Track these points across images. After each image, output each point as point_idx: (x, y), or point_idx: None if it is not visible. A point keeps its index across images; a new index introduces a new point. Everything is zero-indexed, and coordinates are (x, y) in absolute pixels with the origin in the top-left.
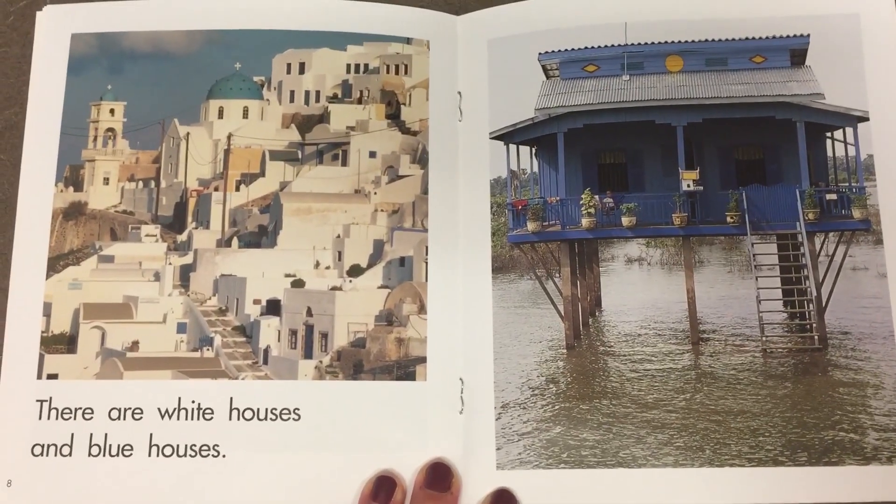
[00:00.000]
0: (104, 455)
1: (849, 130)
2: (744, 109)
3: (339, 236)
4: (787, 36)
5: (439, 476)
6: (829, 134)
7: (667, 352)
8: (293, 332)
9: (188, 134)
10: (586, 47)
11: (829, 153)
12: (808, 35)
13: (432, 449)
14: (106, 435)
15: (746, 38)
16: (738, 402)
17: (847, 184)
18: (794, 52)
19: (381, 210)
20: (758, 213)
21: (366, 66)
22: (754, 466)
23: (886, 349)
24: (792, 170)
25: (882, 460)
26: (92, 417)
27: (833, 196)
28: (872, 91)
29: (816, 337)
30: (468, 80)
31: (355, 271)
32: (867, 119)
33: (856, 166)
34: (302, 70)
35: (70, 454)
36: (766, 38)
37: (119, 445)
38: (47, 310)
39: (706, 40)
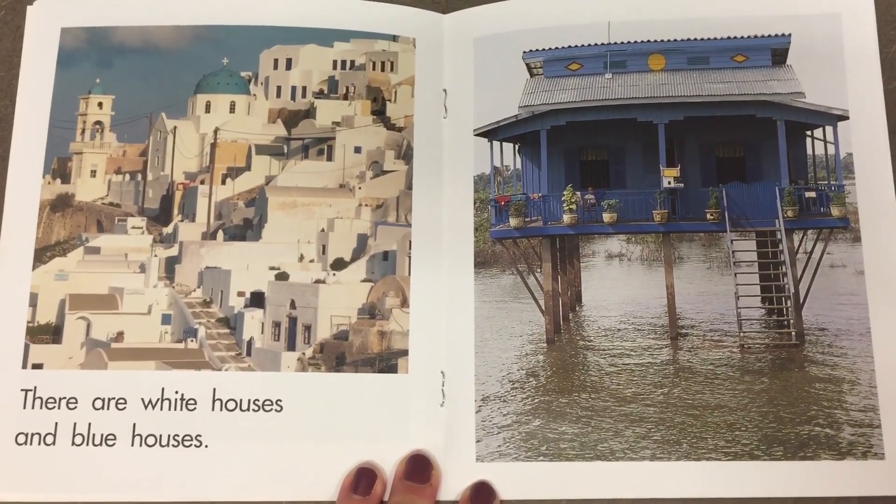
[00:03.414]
0: (88, 444)
1: (829, 129)
2: (725, 108)
3: (323, 230)
4: (769, 35)
5: (419, 468)
6: (808, 132)
7: (646, 346)
8: (276, 325)
9: (175, 128)
10: (570, 46)
11: (809, 151)
12: (790, 34)
13: (413, 441)
14: (89, 424)
15: (728, 38)
16: (716, 396)
17: (826, 182)
18: (776, 52)
19: (366, 205)
20: (738, 210)
21: (352, 62)
22: (731, 460)
23: (862, 346)
24: (772, 168)
25: (857, 455)
26: (76, 407)
27: (812, 194)
28: (852, 90)
29: (794, 333)
30: (454, 77)
31: (339, 265)
32: (847, 118)
33: (835, 165)
34: (289, 66)
35: (54, 443)
36: (748, 37)
37: (102, 435)
38: (33, 300)
39: (688, 39)
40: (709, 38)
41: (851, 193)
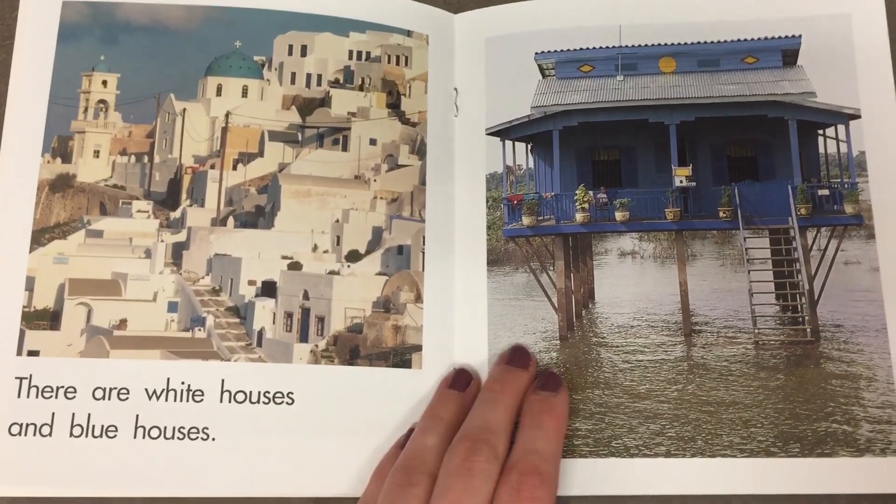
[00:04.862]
0: (87, 436)
1: (841, 128)
2: (736, 108)
3: (337, 221)
4: (779, 37)
5: (519, 355)
6: (820, 131)
7: (659, 343)
8: (289, 315)
9: (185, 110)
10: (582, 48)
11: (822, 150)
12: (800, 36)
13: None
14: (89, 415)
15: (738, 40)
16: (730, 393)
17: (839, 179)
18: (786, 53)
19: (381, 198)
20: (750, 208)
21: (367, 54)
22: (746, 457)
23: (879, 342)
24: (784, 166)
25: (875, 452)
26: (75, 397)
27: (825, 191)
28: (864, 89)
29: (809, 329)
30: (465, 76)
31: (353, 257)
32: (859, 116)
33: (848, 163)
34: (304, 52)
35: (50, 434)
36: (758, 39)
37: (103, 426)
38: (30, 284)
39: (698, 42)
40: (719, 41)
41: (865, 191)
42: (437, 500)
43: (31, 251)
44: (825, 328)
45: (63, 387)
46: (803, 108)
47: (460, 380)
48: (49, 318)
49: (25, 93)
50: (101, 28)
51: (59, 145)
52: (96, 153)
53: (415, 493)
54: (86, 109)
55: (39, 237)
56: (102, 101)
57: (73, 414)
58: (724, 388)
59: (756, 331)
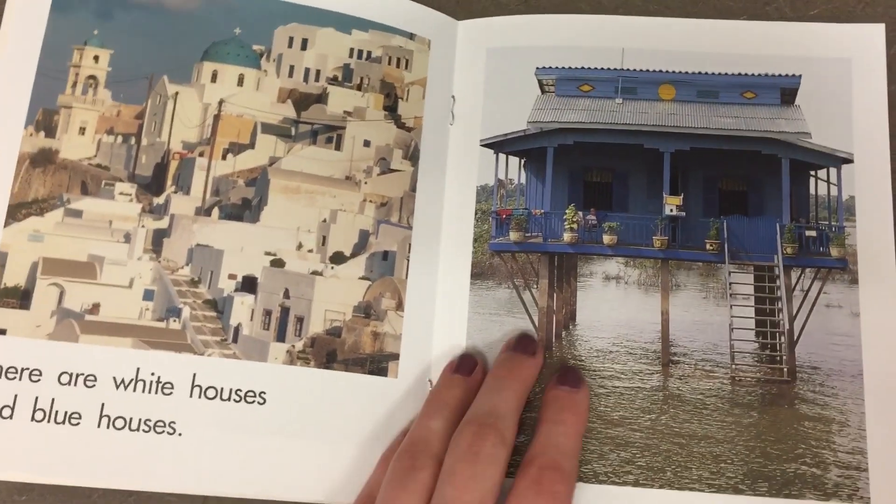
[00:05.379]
0: (48, 421)
1: (832, 171)
2: (731, 142)
3: (325, 221)
4: (780, 75)
5: (524, 342)
6: (812, 172)
7: (636, 370)
8: (267, 313)
9: (177, 93)
10: (583, 67)
11: (812, 191)
12: (800, 76)
13: None
14: (53, 400)
15: (739, 74)
16: (703, 426)
17: (827, 222)
18: (785, 91)
19: (370, 201)
20: (737, 242)
21: (368, 53)
22: (714, 492)
23: (854, 387)
24: (774, 204)
25: (843, 497)
26: (39, 380)
27: (813, 233)
28: (858, 135)
29: (786, 369)
30: (463, 85)
31: (338, 258)
32: (851, 161)
33: (837, 206)
34: (304, 46)
35: (11, 417)
36: (759, 75)
37: (66, 412)
38: (2, 259)
39: (699, 73)
40: (720, 73)
41: (851, 235)
42: (444, 484)
43: (5, 225)
44: (802, 369)
45: (28, 369)
46: (797, 147)
47: (465, 364)
48: (19, 297)
49: (13, 60)
50: (98, 1)
51: (44, 119)
52: (82, 130)
53: (420, 478)
54: (74, 84)
55: (16, 212)
56: (92, 77)
57: (37, 398)
58: (698, 421)
59: (733, 366)
